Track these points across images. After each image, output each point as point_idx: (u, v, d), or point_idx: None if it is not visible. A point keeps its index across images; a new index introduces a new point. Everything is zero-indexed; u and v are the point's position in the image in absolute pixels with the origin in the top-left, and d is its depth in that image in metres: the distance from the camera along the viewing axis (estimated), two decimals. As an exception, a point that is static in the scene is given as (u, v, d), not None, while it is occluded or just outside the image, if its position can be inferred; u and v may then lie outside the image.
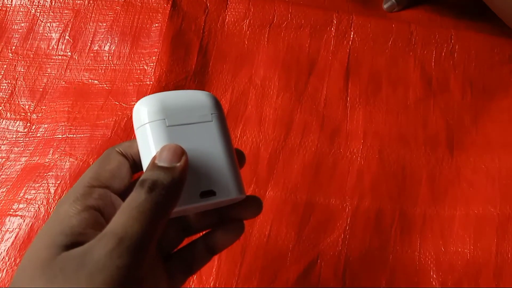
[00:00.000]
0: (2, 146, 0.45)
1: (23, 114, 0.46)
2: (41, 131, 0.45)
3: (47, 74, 0.48)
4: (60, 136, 0.45)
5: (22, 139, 0.45)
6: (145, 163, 0.25)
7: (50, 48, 0.50)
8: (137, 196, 0.23)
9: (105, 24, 0.50)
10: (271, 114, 0.46)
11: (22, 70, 0.49)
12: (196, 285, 0.39)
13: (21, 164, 0.44)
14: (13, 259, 0.39)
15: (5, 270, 0.38)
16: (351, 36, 0.50)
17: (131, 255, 0.21)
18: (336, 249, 0.41)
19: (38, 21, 0.51)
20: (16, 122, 0.46)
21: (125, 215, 0.22)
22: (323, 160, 0.45)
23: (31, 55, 0.49)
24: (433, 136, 0.46)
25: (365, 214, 0.42)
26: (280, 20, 0.50)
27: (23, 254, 0.33)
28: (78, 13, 0.50)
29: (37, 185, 0.42)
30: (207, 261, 0.30)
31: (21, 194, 0.41)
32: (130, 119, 0.45)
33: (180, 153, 0.24)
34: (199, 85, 0.48)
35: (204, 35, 0.50)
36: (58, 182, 0.42)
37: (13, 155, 0.44)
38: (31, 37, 0.50)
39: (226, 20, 0.50)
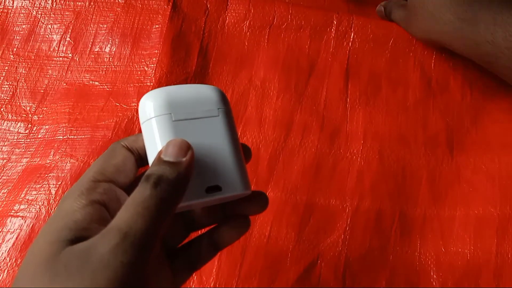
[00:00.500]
0: (4, 148, 0.45)
1: (24, 115, 0.47)
2: (42, 132, 0.45)
3: (48, 76, 0.49)
4: (61, 137, 0.45)
5: (23, 140, 0.45)
6: (151, 158, 0.25)
7: (51, 49, 0.50)
8: (142, 191, 0.22)
9: (105, 26, 0.50)
10: (271, 115, 0.46)
11: (23, 71, 0.49)
12: (196, 285, 0.39)
13: (22, 165, 0.44)
14: (14, 260, 0.39)
15: (6, 271, 0.38)
16: (351, 37, 0.50)
17: (136, 251, 0.21)
18: (336, 250, 0.41)
19: (39, 23, 0.51)
20: (17, 124, 0.46)
21: (130, 211, 0.22)
22: (323, 161, 0.45)
23: (32, 57, 0.49)
24: (433, 136, 0.46)
25: (365, 214, 0.42)
26: (280, 21, 0.50)
27: (24, 254, 0.33)
28: (79, 15, 0.50)
29: (38, 186, 0.42)
30: (211, 257, 0.30)
31: (22, 195, 0.42)
32: (130, 120, 0.45)
33: (186, 148, 0.24)
34: (200, 86, 0.48)
35: (204, 36, 0.50)
36: (59, 183, 0.42)
37: (14, 156, 0.44)
38: (32, 38, 0.50)
39: (226, 21, 0.50)
